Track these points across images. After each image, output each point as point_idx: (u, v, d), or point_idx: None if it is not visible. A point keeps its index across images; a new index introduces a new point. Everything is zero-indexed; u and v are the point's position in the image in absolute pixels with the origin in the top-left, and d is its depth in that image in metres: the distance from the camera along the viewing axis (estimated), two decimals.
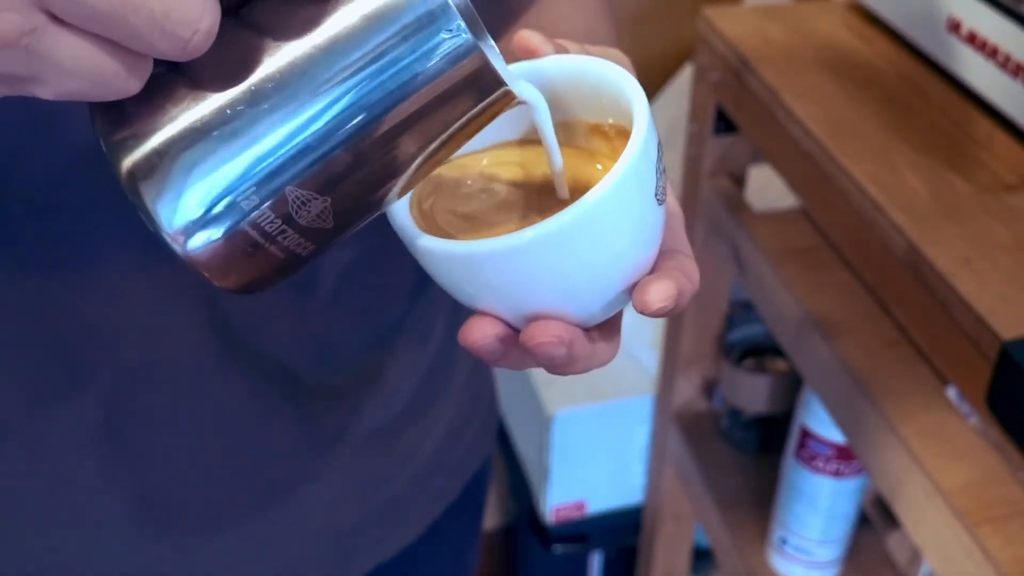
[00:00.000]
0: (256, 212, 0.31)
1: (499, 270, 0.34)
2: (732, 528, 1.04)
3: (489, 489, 0.73)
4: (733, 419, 1.11)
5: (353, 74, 0.30)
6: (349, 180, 0.32)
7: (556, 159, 0.37)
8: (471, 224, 0.37)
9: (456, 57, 0.30)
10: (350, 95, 0.30)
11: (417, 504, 0.62)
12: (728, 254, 0.94)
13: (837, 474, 0.93)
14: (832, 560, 0.99)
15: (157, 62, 0.29)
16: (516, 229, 0.35)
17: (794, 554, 0.98)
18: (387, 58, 0.30)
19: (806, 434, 0.93)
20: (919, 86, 0.84)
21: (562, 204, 0.37)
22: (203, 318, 0.48)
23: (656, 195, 0.35)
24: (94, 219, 0.44)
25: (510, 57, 0.39)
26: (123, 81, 0.28)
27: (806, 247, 0.90)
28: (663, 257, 0.37)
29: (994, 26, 0.74)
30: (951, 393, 0.74)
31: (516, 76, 0.34)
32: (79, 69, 0.27)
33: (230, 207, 0.31)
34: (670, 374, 1.14)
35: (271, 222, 0.31)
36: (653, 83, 1.34)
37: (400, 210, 0.36)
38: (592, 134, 0.39)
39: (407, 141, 0.32)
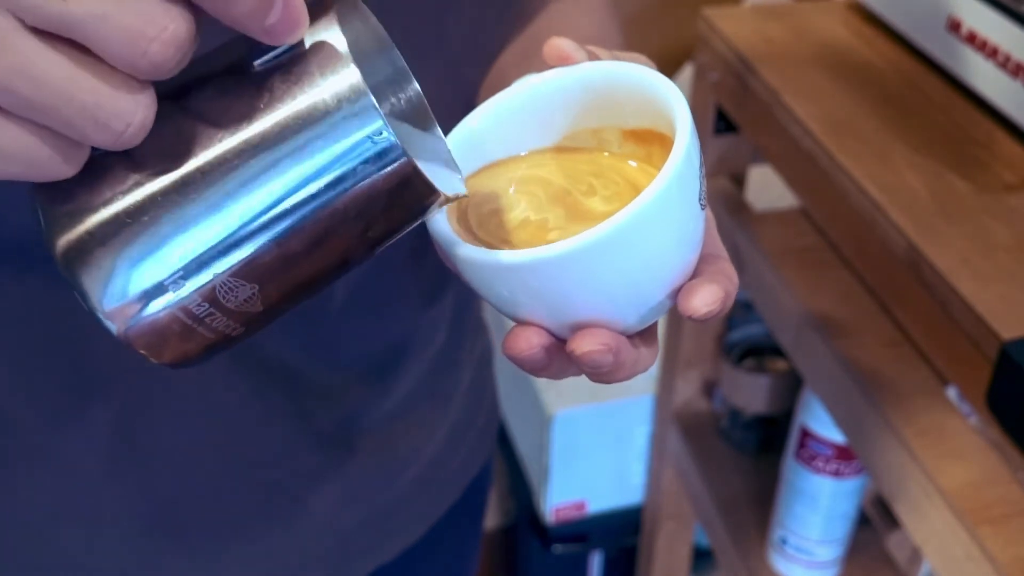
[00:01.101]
0: (184, 297, 0.32)
1: (544, 279, 0.34)
2: (732, 528, 1.04)
3: (490, 492, 0.73)
4: (733, 419, 1.11)
5: (281, 172, 0.31)
6: (276, 270, 0.32)
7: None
8: (510, 231, 0.37)
9: (383, 162, 0.31)
10: (277, 192, 0.31)
11: (418, 506, 0.62)
12: (728, 254, 0.94)
13: (837, 474, 0.93)
14: (832, 560, 0.99)
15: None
16: (556, 236, 0.36)
17: (794, 554, 0.98)
18: (315, 159, 0.31)
19: (806, 434, 0.93)
20: (919, 86, 0.84)
21: (603, 209, 0.37)
22: None
23: (699, 199, 0.35)
24: None
25: (542, 64, 0.39)
26: (58, 166, 0.29)
27: (806, 247, 0.90)
28: (704, 261, 0.37)
29: (994, 26, 0.74)
30: (951, 393, 0.74)
31: (455, 165, 0.35)
32: (13, 153, 0.28)
33: (157, 291, 0.31)
34: (670, 374, 1.14)
35: (198, 306, 0.32)
36: None
37: (439, 218, 0.36)
38: (626, 140, 0.39)
39: (335, 237, 0.32)
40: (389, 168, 0.31)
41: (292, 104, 0.31)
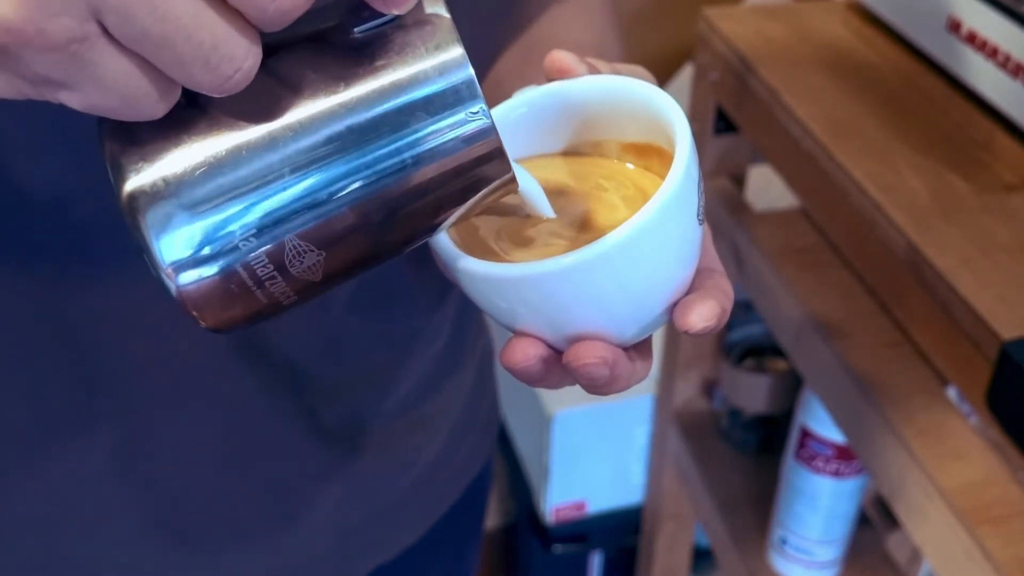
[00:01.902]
0: (252, 256, 0.31)
1: (543, 292, 0.34)
2: (732, 528, 1.04)
3: (490, 492, 0.73)
4: (733, 419, 1.11)
5: (373, 139, 0.31)
6: (347, 239, 0.32)
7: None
8: (511, 239, 0.37)
9: (473, 138, 0.31)
10: (366, 159, 0.31)
11: (419, 506, 0.62)
12: (728, 254, 0.94)
13: (837, 474, 0.93)
14: (832, 560, 0.99)
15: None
16: (558, 246, 0.36)
17: (794, 554, 0.98)
18: (409, 129, 0.31)
19: (806, 434, 0.93)
20: (919, 86, 0.83)
21: (606, 217, 0.37)
22: None
23: (697, 215, 0.36)
24: (103, 214, 0.44)
25: (540, 71, 0.40)
26: (152, 105, 0.28)
27: (806, 247, 0.90)
28: (700, 275, 0.37)
29: (994, 26, 0.74)
30: (951, 393, 0.74)
31: (516, 165, 0.35)
32: (115, 86, 0.27)
33: (228, 247, 0.31)
34: (670, 374, 1.14)
35: (264, 267, 0.32)
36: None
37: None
38: (625, 152, 0.40)
39: (412, 210, 0.32)
40: (479, 146, 0.31)
41: (393, 73, 0.31)
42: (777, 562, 1.00)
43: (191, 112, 0.30)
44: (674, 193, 0.34)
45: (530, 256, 0.36)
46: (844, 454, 0.91)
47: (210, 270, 0.31)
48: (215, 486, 0.53)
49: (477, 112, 0.31)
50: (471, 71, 0.31)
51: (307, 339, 0.51)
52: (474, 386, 0.65)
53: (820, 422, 0.91)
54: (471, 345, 0.64)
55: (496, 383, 0.71)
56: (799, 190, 0.84)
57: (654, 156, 0.38)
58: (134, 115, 0.28)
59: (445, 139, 0.31)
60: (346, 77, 0.31)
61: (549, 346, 0.36)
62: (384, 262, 0.35)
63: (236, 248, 0.31)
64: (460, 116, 0.31)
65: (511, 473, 1.44)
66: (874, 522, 0.99)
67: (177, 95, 0.29)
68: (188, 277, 0.31)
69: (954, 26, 0.79)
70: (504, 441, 1.45)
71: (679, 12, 1.33)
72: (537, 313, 0.35)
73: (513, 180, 0.33)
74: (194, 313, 0.32)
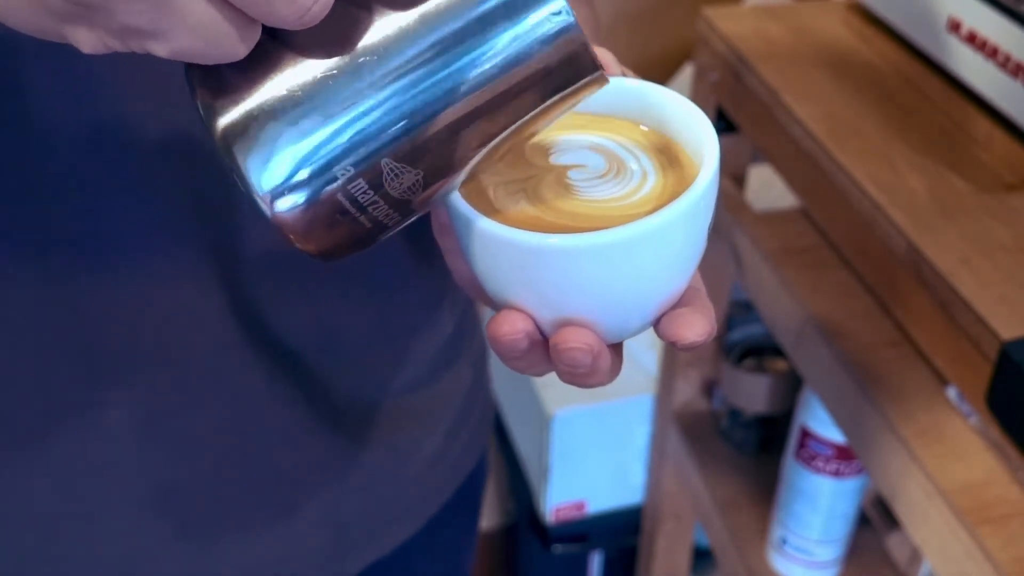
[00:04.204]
0: (350, 181, 0.31)
1: (558, 267, 0.34)
2: (732, 528, 1.04)
3: (485, 488, 0.74)
4: (733, 419, 1.11)
5: (455, 49, 0.31)
6: (441, 153, 0.32)
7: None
8: (518, 197, 0.37)
9: (557, 38, 0.31)
10: (451, 69, 0.31)
11: (415, 500, 0.63)
12: (728, 254, 0.94)
13: (837, 474, 0.93)
14: (832, 560, 0.99)
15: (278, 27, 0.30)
16: (570, 209, 0.36)
17: (794, 554, 0.98)
18: (493, 36, 0.31)
19: (806, 434, 0.93)
20: (919, 86, 0.83)
21: (607, 194, 0.37)
22: (221, 299, 0.48)
23: (709, 227, 0.36)
24: (115, 201, 0.44)
25: None
26: (235, 44, 0.29)
27: (806, 247, 0.90)
28: (691, 292, 0.37)
29: (994, 26, 0.74)
30: (951, 393, 0.74)
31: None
32: (200, 27, 0.28)
33: (323, 174, 0.31)
34: (670, 374, 1.14)
35: (364, 192, 0.32)
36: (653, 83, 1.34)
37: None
38: (647, 141, 0.40)
39: (500, 116, 0.32)
40: (564, 46, 0.31)
41: None
42: (777, 562, 1.00)
43: (273, 47, 0.31)
44: (704, 191, 0.34)
45: (535, 214, 0.36)
46: (844, 454, 0.91)
47: (306, 197, 0.31)
48: (215, 477, 0.53)
49: (559, 12, 0.31)
50: None
51: (307, 332, 0.52)
52: (471, 381, 0.65)
53: (820, 422, 0.91)
54: (469, 340, 0.64)
55: (491, 379, 0.71)
56: (799, 190, 0.84)
57: (675, 157, 0.38)
58: (219, 57, 0.29)
59: (529, 42, 0.31)
60: None
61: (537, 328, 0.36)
62: (480, 162, 0.34)
63: (333, 176, 0.31)
64: (542, 17, 0.31)
65: (511, 473, 1.44)
66: (874, 522, 0.99)
67: (258, 33, 0.29)
68: (283, 205, 0.31)
69: (954, 26, 0.79)
70: (504, 441, 1.45)
71: (679, 12, 1.33)
72: (540, 288, 0.35)
73: (603, 77, 0.33)
74: (296, 239, 0.32)
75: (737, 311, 1.12)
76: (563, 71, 0.32)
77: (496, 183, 0.37)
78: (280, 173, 0.31)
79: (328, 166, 0.31)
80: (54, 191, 0.43)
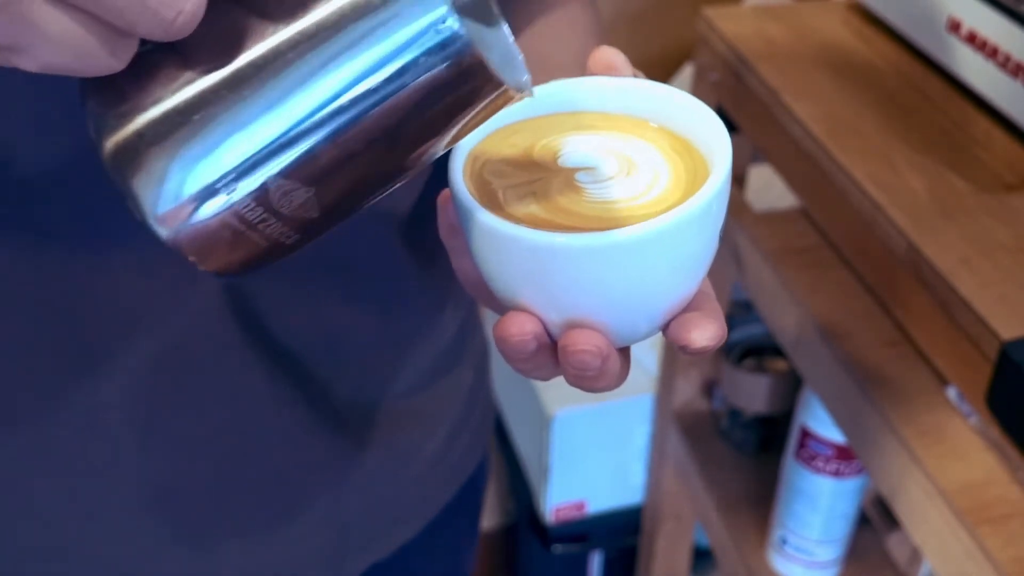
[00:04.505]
0: (237, 201, 0.31)
1: (567, 267, 0.33)
2: (732, 528, 1.04)
3: (486, 490, 0.74)
4: (733, 419, 1.11)
5: (339, 64, 0.29)
6: (335, 172, 0.31)
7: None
8: (527, 198, 0.36)
9: (444, 50, 0.29)
10: (335, 86, 0.30)
11: (415, 502, 0.63)
12: (728, 254, 0.94)
13: (837, 474, 0.93)
14: (832, 560, 0.99)
15: (148, 39, 0.29)
16: (579, 211, 0.35)
17: (794, 554, 0.98)
18: (375, 49, 0.29)
19: (806, 434, 0.93)
20: (919, 86, 0.84)
21: (618, 195, 0.36)
22: (221, 299, 0.48)
23: (721, 229, 0.36)
24: (113, 199, 0.44)
25: (585, 72, 0.39)
26: (106, 58, 0.28)
27: (806, 247, 0.90)
28: (700, 297, 0.37)
29: (994, 26, 0.74)
30: (951, 393, 0.74)
31: (520, 65, 0.33)
32: (63, 43, 0.27)
33: (210, 194, 0.30)
34: (670, 374, 1.14)
35: (251, 211, 0.31)
36: None
37: (459, 181, 0.35)
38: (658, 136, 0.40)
39: (394, 134, 0.31)
40: (452, 59, 0.30)
41: None
42: (777, 562, 1.00)
43: (161, 56, 0.30)
44: (717, 192, 0.34)
45: (546, 214, 0.36)
46: (844, 454, 0.91)
47: (197, 216, 0.31)
48: (216, 478, 0.53)
49: (444, 21, 0.29)
50: None
51: (308, 333, 0.51)
52: (472, 383, 0.65)
53: (820, 422, 0.91)
54: (470, 344, 0.64)
55: (492, 381, 0.71)
56: (799, 190, 0.84)
57: (688, 155, 0.38)
58: (91, 70, 0.28)
59: (414, 55, 0.29)
60: (305, 3, 0.29)
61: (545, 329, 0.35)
62: (387, 190, 0.33)
63: (217, 193, 0.30)
64: (427, 28, 0.29)
65: (511, 473, 1.44)
66: (874, 522, 0.99)
67: (133, 46, 0.28)
68: (176, 227, 0.31)
69: (954, 26, 0.79)
70: (504, 441, 1.45)
71: (679, 12, 1.33)
72: (550, 288, 0.34)
73: (508, 92, 0.31)
74: (193, 259, 0.32)
75: (737, 311, 1.12)
76: (457, 86, 0.30)
77: (505, 185, 0.37)
78: (168, 196, 0.30)
79: (214, 187, 0.30)
80: (49, 187, 0.43)
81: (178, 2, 0.27)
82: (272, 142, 0.30)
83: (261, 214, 0.31)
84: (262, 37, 0.29)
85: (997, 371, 0.60)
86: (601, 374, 0.35)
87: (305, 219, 0.32)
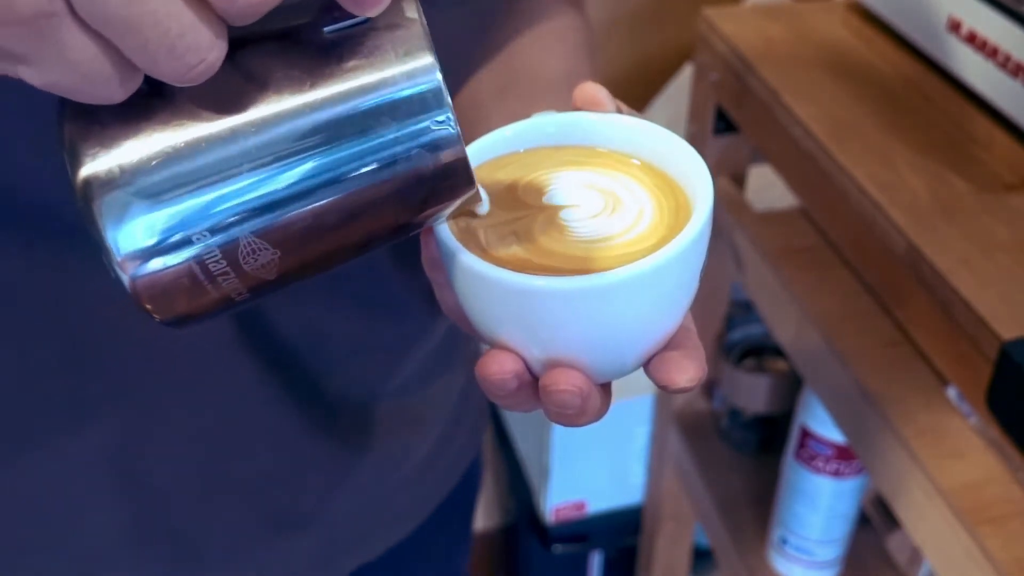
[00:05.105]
0: (206, 251, 0.31)
1: (546, 309, 0.34)
2: (732, 528, 1.04)
3: (479, 493, 0.74)
4: (733, 419, 1.11)
5: (337, 142, 0.30)
6: (303, 240, 0.32)
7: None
8: (509, 238, 0.36)
9: (438, 147, 0.31)
10: (328, 162, 0.31)
11: (405, 505, 0.63)
12: (728, 254, 0.94)
13: (837, 474, 0.93)
14: (832, 560, 0.99)
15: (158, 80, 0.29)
16: (561, 251, 0.35)
17: (794, 554, 0.98)
18: (374, 134, 0.31)
19: (806, 434, 0.93)
20: (919, 86, 0.83)
21: (601, 233, 0.36)
22: None
23: (702, 269, 0.36)
24: None
25: (519, 99, 0.40)
26: (113, 88, 0.28)
27: (806, 247, 0.90)
28: (681, 333, 0.37)
29: (994, 26, 0.74)
30: (951, 393, 0.74)
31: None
32: (77, 65, 0.27)
33: (182, 240, 0.31)
34: None
35: (217, 262, 0.31)
36: (653, 83, 1.34)
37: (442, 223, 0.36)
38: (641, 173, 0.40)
39: (370, 215, 0.32)
40: (443, 156, 0.31)
41: (360, 75, 0.30)
42: (777, 562, 1.00)
43: (153, 101, 0.30)
44: (698, 234, 0.34)
45: (525, 254, 0.36)
46: (844, 454, 0.91)
47: (163, 263, 0.31)
48: (205, 476, 0.53)
49: (443, 121, 0.31)
50: (439, 79, 0.30)
51: (294, 334, 0.51)
52: (464, 387, 0.65)
53: (820, 422, 0.91)
54: (461, 347, 0.64)
55: None
56: (799, 190, 0.84)
57: (670, 191, 0.38)
58: (93, 97, 0.28)
59: (409, 146, 0.31)
60: (313, 77, 0.30)
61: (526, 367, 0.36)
62: (342, 263, 0.34)
63: (190, 242, 0.31)
64: (425, 124, 0.31)
65: (511, 473, 1.44)
66: (874, 522, 0.99)
67: (139, 81, 0.29)
68: (140, 269, 0.31)
69: (954, 26, 0.79)
70: (504, 441, 1.45)
71: (679, 12, 1.33)
72: (529, 328, 0.34)
73: (476, 195, 0.33)
74: (147, 306, 0.32)
75: (737, 311, 1.12)
76: (438, 181, 0.32)
77: (487, 224, 0.37)
78: (138, 237, 0.30)
79: (188, 234, 0.30)
80: (44, 184, 0.43)
81: (202, 51, 0.27)
82: (254, 201, 0.31)
83: (224, 268, 0.31)
84: (266, 100, 0.30)
85: (997, 371, 0.60)
86: (582, 411, 0.36)
87: (261, 280, 0.32)
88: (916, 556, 0.92)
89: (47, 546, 0.51)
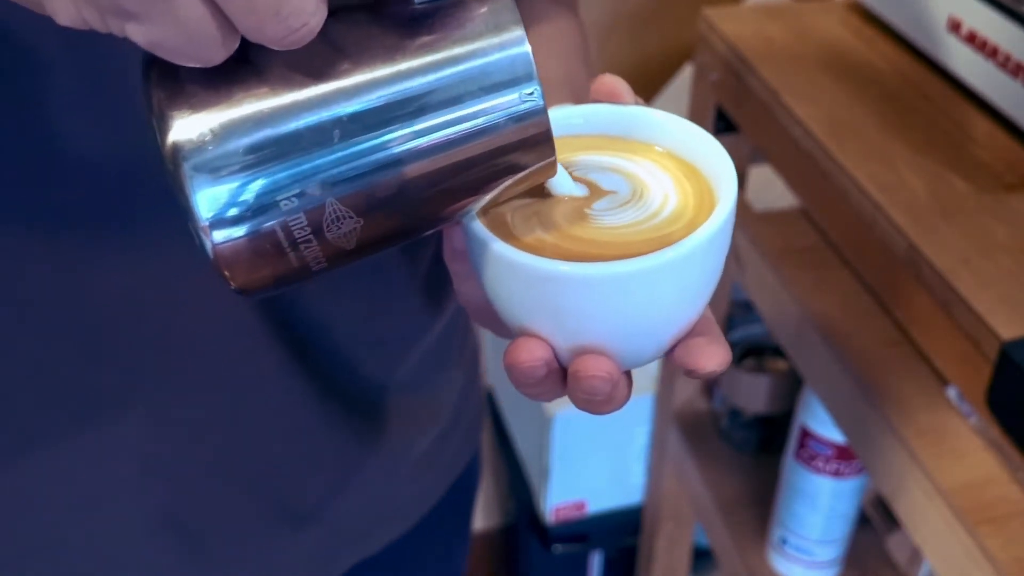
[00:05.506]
0: (292, 216, 0.31)
1: (575, 295, 0.34)
2: (732, 528, 1.04)
3: (478, 490, 0.74)
4: (733, 419, 1.11)
5: (427, 111, 0.31)
6: (386, 209, 0.32)
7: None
8: (535, 224, 0.37)
9: (524, 119, 0.32)
10: (416, 130, 0.31)
11: (404, 501, 0.63)
12: (728, 254, 0.94)
13: (837, 474, 0.93)
14: (832, 560, 0.99)
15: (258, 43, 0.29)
16: (589, 236, 0.36)
17: (794, 554, 0.98)
18: (462, 105, 0.31)
19: (806, 434, 0.93)
20: (919, 86, 0.84)
21: (627, 219, 0.37)
22: (217, 288, 0.48)
23: (727, 255, 0.36)
24: (128, 186, 0.44)
25: (573, 92, 0.39)
26: (215, 50, 0.28)
27: (806, 247, 0.90)
28: (703, 321, 0.38)
29: (994, 26, 0.74)
30: (951, 393, 0.74)
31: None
32: (185, 24, 0.27)
33: (269, 204, 0.31)
34: (670, 374, 1.14)
35: (302, 229, 0.31)
36: (653, 83, 1.34)
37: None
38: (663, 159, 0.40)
39: (451, 185, 0.32)
40: (528, 127, 0.32)
41: (450, 47, 0.31)
42: (777, 562, 1.00)
43: (243, 67, 0.30)
44: (725, 221, 0.34)
45: (554, 241, 0.36)
46: (844, 454, 0.91)
47: (248, 227, 0.31)
48: (216, 472, 0.53)
49: (532, 93, 0.31)
50: (529, 51, 0.31)
51: (294, 327, 0.51)
52: (463, 385, 0.65)
53: (820, 422, 0.91)
54: (460, 345, 0.64)
55: (483, 384, 0.71)
56: (799, 190, 0.84)
57: (693, 177, 0.38)
58: (194, 58, 0.28)
59: (497, 117, 0.31)
60: (403, 47, 0.31)
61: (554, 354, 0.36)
62: (415, 238, 0.34)
63: (277, 206, 0.31)
64: (514, 96, 0.31)
65: (511, 473, 1.44)
66: (874, 522, 0.99)
67: (236, 44, 0.29)
68: (225, 233, 0.31)
69: (954, 26, 0.79)
70: (504, 441, 1.45)
71: (679, 12, 1.33)
72: (560, 315, 0.35)
73: (553, 165, 0.33)
74: (225, 272, 0.32)
75: (737, 311, 1.12)
76: (522, 152, 0.32)
77: (514, 209, 0.37)
78: (225, 201, 0.30)
79: (275, 198, 0.31)
80: (66, 174, 0.43)
81: (305, 14, 0.28)
82: (343, 167, 0.31)
83: (307, 234, 0.32)
84: (358, 69, 0.31)
85: (997, 371, 0.60)
86: (610, 398, 0.36)
87: (340, 249, 0.33)
88: (916, 556, 0.92)
89: (62, 541, 0.51)
